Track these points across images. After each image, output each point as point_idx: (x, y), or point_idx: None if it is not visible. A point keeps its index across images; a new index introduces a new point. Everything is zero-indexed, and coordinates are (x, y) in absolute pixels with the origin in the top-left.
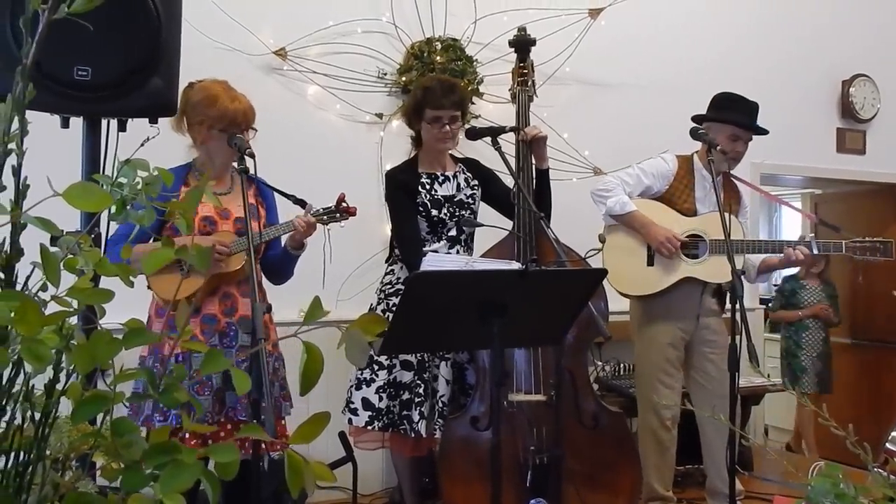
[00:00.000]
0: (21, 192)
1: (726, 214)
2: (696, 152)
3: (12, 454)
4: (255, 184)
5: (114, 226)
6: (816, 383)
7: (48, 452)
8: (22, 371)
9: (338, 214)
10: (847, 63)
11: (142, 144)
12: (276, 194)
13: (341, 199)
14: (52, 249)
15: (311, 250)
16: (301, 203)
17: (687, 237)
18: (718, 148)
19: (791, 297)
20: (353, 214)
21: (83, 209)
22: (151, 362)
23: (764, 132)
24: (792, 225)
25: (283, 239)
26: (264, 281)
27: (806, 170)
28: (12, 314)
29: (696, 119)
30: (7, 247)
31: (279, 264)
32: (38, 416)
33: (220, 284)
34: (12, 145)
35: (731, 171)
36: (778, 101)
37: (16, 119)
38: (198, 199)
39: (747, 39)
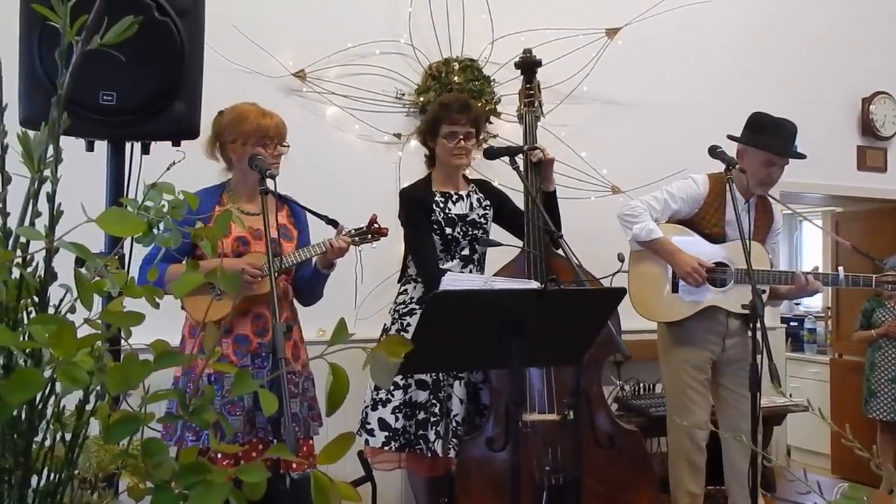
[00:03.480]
0: (55, 218)
1: (754, 243)
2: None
3: (44, 474)
4: (287, 205)
5: (137, 247)
6: (895, 409)
7: (77, 472)
8: (53, 393)
9: (369, 235)
10: (867, 80)
11: (168, 168)
12: (308, 215)
13: (373, 220)
14: (82, 272)
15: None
16: (333, 223)
17: (714, 264)
18: (738, 167)
19: (870, 316)
20: (385, 235)
21: (117, 234)
22: (184, 382)
23: (801, 156)
24: (812, 244)
25: (313, 259)
26: (294, 301)
27: (827, 188)
28: (48, 336)
29: (732, 139)
30: (41, 271)
31: (309, 284)
32: (68, 436)
33: (251, 305)
34: (47, 172)
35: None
36: (798, 118)
37: (50, 147)
38: (226, 224)
39: (766, 57)
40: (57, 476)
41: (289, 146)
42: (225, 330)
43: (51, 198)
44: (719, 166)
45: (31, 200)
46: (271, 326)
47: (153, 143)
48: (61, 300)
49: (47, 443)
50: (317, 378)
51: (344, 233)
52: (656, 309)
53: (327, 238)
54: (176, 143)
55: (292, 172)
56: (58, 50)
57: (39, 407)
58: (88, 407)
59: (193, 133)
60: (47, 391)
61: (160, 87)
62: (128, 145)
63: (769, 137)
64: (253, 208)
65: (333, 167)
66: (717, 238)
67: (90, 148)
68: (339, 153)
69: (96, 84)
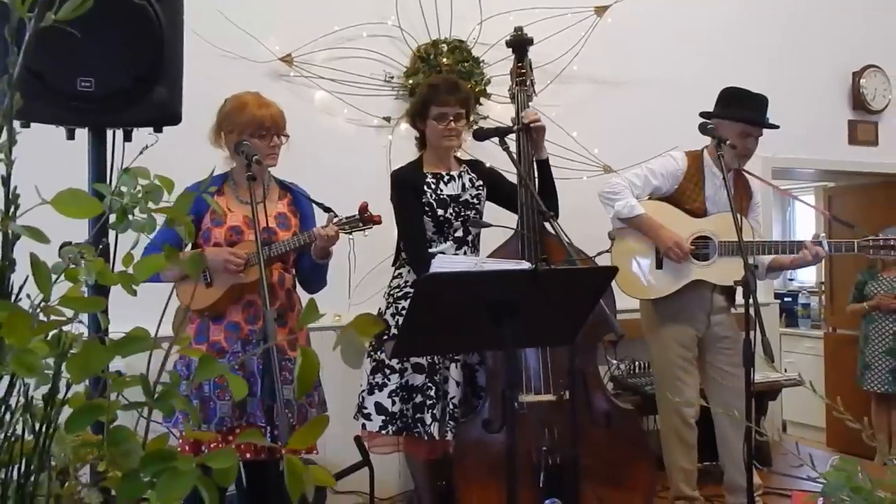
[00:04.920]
0: (11, 202)
1: (739, 215)
2: (706, 148)
3: (14, 466)
4: (290, 192)
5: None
6: (890, 381)
7: (53, 463)
8: (21, 382)
9: (361, 223)
10: (857, 54)
11: (140, 152)
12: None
13: (364, 208)
14: (55, 259)
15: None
16: (327, 210)
17: (696, 239)
18: (728, 143)
19: (863, 289)
20: (378, 222)
21: (72, 216)
22: (179, 368)
23: (774, 127)
24: (805, 221)
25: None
26: (298, 288)
27: (818, 163)
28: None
29: (704, 115)
30: None
31: (310, 274)
32: (37, 426)
33: (243, 293)
34: (0, 155)
35: (743, 167)
36: (789, 93)
37: (4, 130)
38: (188, 205)
39: (756, 33)
40: (28, 467)
41: (288, 136)
42: (217, 317)
43: (5, 181)
44: (701, 145)
45: None
46: (262, 315)
47: (136, 130)
48: (20, 287)
49: (16, 434)
50: (327, 363)
51: (334, 221)
52: (641, 286)
53: (316, 227)
54: (157, 130)
55: (281, 157)
56: (7, 27)
57: (5, 397)
58: (59, 396)
59: (176, 119)
60: (13, 379)
61: (139, 72)
62: (109, 133)
63: (742, 109)
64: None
65: (323, 152)
66: (698, 213)
67: (71, 136)
68: (328, 138)
69: (74, 70)
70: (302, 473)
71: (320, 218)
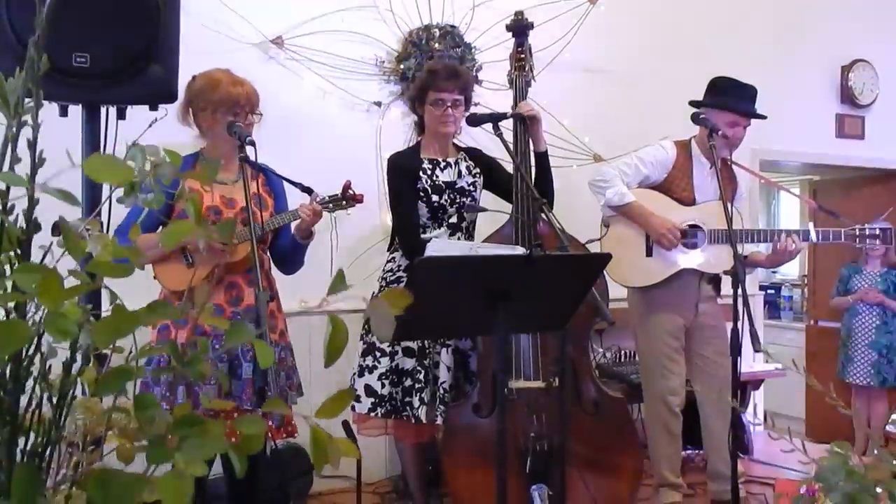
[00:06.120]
0: (37, 165)
1: (730, 204)
2: (694, 137)
3: (31, 435)
4: (263, 173)
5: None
6: (874, 374)
7: (64, 435)
8: (38, 350)
9: (344, 202)
10: (847, 48)
11: (149, 126)
12: (284, 183)
13: (347, 187)
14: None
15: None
16: (307, 191)
17: (685, 227)
18: (720, 133)
19: (847, 282)
20: (360, 201)
21: (105, 181)
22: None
23: (762, 117)
24: (790, 212)
25: (292, 228)
26: (273, 270)
27: (805, 155)
28: (34, 287)
29: (694, 104)
30: (22, 222)
31: (289, 253)
32: (55, 397)
33: (224, 275)
34: (27, 118)
35: (731, 158)
36: (778, 86)
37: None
38: (212, 178)
39: (747, 25)
40: (45, 437)
41: (261, 115)
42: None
43: (31, 144)
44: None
45: (11, 145)
46: (253, 295)
47: (129, 108)
48: (44, 254)
49: (34, 403)
50: (295, 348)
51: (318, 200)
52: (631, 273)
53: (300, 205)
54: (153, 108)
55: (270, 141)
56: None
57: (25, 363)
58: (76, 366)
59: (171, 97)
60: (32, 348)
61: (135, 49)
62: (103, 111)
63: (732, 98)
64: (225, 177)
65: (312, 136)
66: (686, 202)
67: (63, 113)
68: (318, 121)
69: (69, 46)
70: (327, 445)
71: (295, 199)
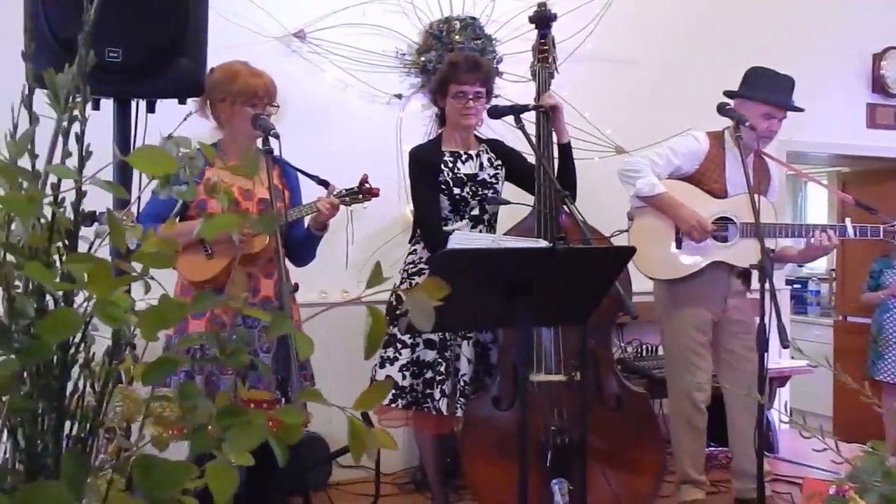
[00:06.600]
0: (85, 158)
1: (757, 196)
2: (728, 128)
3: (77, 421)
4: (278, 165)
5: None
6: None
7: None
8: (84, 339)
9: (360, 195)
10: (878, 36)
11: (185, 119)
12: (299, 175)
13: (364, 180)
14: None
15: (330, 232)
16: (324, 183)
17: (716, 220)
18: (748, 124)
19: (878, 277)
20: (376, 195)
21: (149, 172)
22: (175, 341)
23: (799, 109)
24: (818, 206)
25: (306, 220)
26: (287, 262)
27: (834, 147)
28: (86, 276)
29: (728, 94)
30: (69, 213)
31: (302, 246)
32: (98, 384)
33: (242, 265)
34: (76, 112)
35: (764, 150)
36: (806, 75)
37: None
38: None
39: (774, 12)
40: (88, 423)
41: (278, 107)
42: (217, 290)
43: (79, 138)
44: (720, 126)
45: (62, 139)
46: (271, 287)
47: (158, 101)
48: (91, 243)
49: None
50: (319, 339)
51: (334, 193)
52: (660, 266)
53: (318, 198)
54: (182, 101)
55: (291, 134)
56: None
57: (72, 351)
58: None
59: (200, 90)
60: (78, 336)
61: (165, 42)
62: (133, 104)
63: (767, 90)
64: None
65: (333, 128)
66: (718, 194)
67: (96, 107)
68: (339, 114)
69: (101, 41)
70: (364, 435)
71: (309, 192)
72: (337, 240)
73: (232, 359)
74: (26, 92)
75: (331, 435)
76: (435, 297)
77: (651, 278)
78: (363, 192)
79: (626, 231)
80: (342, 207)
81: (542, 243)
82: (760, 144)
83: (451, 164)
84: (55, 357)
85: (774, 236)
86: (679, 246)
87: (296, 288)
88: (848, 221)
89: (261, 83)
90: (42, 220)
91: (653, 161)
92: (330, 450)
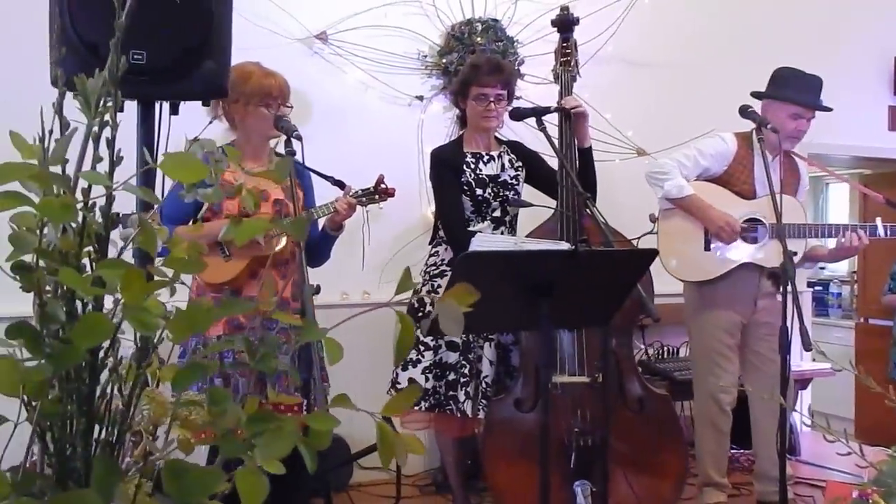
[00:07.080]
0: (115, 163)
1: (786, 197)
2: (756, 129)
3: (105, 425)
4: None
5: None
6: None
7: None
8: (112, 344)
9: (377, 196)
10: None
11: (210, 122)
12: (313, 176)
13: (380, 181)
14: (145, 215)
15: (350, 233)
16: (340, 184)
17: (746, 221)
18: (769, 126)
19: None
20: (392, 195)
21: (181, 179)
22: (194, 345)
23: (828, 109)
24: (839, 206)
25: (321, 220)
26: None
27: (855, 149)
28: (118, 282)
29: (755, 95)
30: (100, 218)
31: (317, 246)
32: (126, 388)
33: (259, 267)
34: (107, 117)
35: (793, 150)
36: (827, 77)
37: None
38: (283, 177)
39: (795, 14)
40: (117, 428)
41: (292, 107)
42: (235, 292)
43: (110, 143)
44: (746, 126)
45: (94, 144)
46: (289, 289)
47: (182, 103)
48: (121, 248)
49: (106, 394)
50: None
51: (350, 194)
52: (689, 268)
53: (336, 198)
54: (205, 103)
55: (313, 135)
56: None
57: (102, 355)
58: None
59: (223, 92)
60: (108, 341)
61: (190, 45)
62: (156, 106)
63: (795, 90)
64: (257, 167)
65: (355, 130)
66: (747, 195)
67: (121, 109)
68: (360, 115)
69: (126, 44)
70: (393, 441)
71: (324, 192)
72: (358, 241)
73: (262, 363)
74: (57, 97)
75: (352, 436)
76: (464, 303)
77: (680, 280)
78: (379, 192)
79: (653, 233)
80: (358, 208)
81: (565, 245)
82: (789, 144)
83: (473, 165)
84: (84, 361)
85: (804, 236)
86: (708, 247)
87: (318, 290)
88: (878, 221)
89: (274, 83)
90: (73, 225)
91: (680, 163)
92: (351, 451)
